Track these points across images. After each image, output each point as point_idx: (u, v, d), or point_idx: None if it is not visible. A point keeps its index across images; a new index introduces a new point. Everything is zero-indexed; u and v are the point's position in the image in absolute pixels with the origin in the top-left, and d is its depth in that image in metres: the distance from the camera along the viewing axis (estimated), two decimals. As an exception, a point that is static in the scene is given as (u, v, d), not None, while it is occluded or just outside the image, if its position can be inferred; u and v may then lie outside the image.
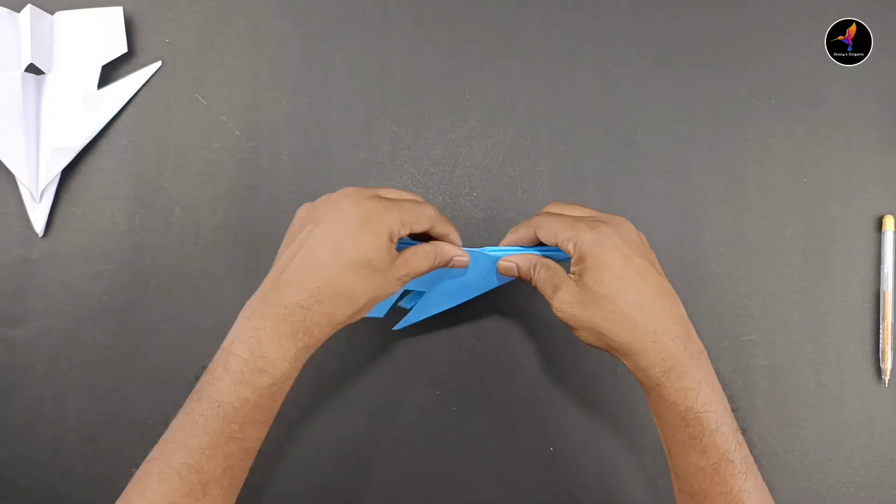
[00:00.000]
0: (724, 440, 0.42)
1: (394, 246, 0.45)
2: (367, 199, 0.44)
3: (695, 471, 0.43)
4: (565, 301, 0.45)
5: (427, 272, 0.48)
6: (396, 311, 0.54)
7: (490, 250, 0.51)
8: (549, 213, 0.49)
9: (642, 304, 0.44)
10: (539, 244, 0.49)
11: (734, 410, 0.44)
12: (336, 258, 0.43)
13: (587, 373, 0.58)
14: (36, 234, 0.57)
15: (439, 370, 0.57)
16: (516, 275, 0.49)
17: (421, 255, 0.47)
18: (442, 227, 0.48)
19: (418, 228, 0.46)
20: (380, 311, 0.52)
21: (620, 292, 0.44)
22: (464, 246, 0.50)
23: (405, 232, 0.45)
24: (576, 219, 0.47)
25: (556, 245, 0.46)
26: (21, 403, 0.57)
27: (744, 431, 0.58)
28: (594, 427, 0.57)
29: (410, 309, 0.54)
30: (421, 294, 0.53)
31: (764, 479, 0.58)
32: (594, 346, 0.46)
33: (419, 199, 0.48)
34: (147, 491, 0.40)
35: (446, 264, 0.49)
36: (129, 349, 0.57)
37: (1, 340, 0.57)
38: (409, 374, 0.58)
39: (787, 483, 0.57)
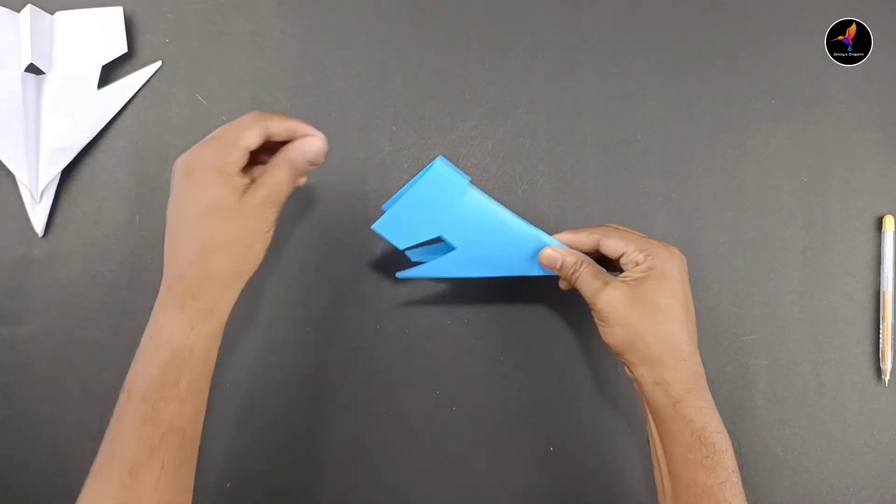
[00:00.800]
0: (731, 461, 0.45)
1: (235, 177, 0.43)
2: (187, 153, 0.43)
3: (702, 490, 0.44)
4: (615, 297, 0.47)
5: (290, 182, 0.45)
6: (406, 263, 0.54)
7: (537, 232, 0.50)
8: (619, 228, 0.51)
9: (686, 324, 0.47)
10: (591, 254, 0.50)
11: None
12: (180, 220, 0.43)
13: (587, 373, 0.58)
14: (36, 234, 0.57)
15: (439, 370, 0.57)
16: (557, 267, 0.50)
17: (273, 168, 0.44)
18: (295, 127, 0.46)
19: (253, 139, 0.43)
20: (401, 242, 0.51)
21: (672, 306, 0.47)
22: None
23: (239, 154, 0.43)
24: (647, 237, 0.50)
25: (622, 255, 0.48)
26: (21, 403, 0.57)
27: (743, 431, 0.58)
28: (594, 427, 0.57)
29: (424, 263, 0.52)
30: (446, 250, 0.51)
31: (764, 479, 0.58)
32: (616, 349, 0.48)
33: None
34: (90, 494, 0.41)
35: (309, 160, 0.46)
36: (129, 349, 0.57)
37: (1, 340, 0.57)
38: (409, 374, 0.58)
39: (787, 483, 0.57)
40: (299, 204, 0.58)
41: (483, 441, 0.57)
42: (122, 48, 0.58)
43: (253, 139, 0.44)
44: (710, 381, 0.58)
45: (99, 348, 0.57)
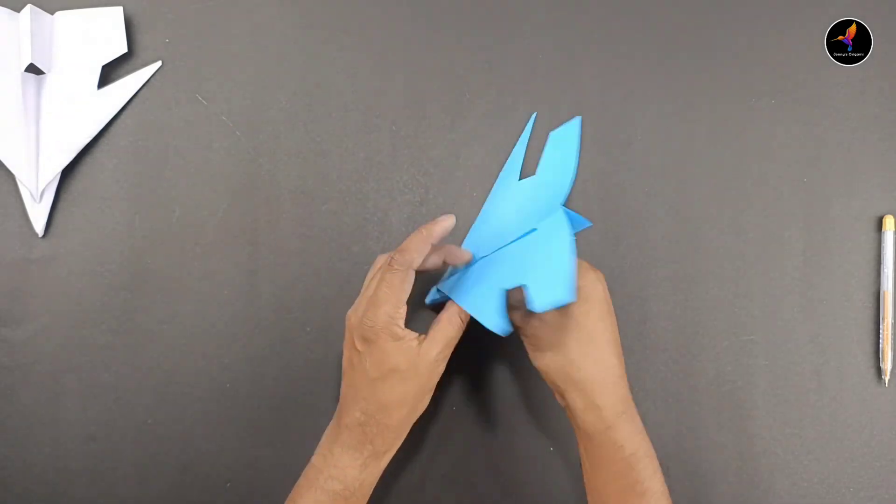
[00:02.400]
0: (660, 484, 0.46)
1: (406, 340, 0.46)
2: (359, 315, 0.47)
3: None
4: (545, 321, 0.47)
5: (459, 335, 0.48)
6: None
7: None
8: None
9: (616, 347, 0.47)
10: None
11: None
12: (360, 378, 0.47)
13: (587, 373, 0.58)
14: (36, 234, 0.57)
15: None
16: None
17: (445, 324, 0.47)
18: (431, 239, 0.47)
19: (409, 289, 0.46)
20: (502, 328, 0.46)
21: (601, 331, 0.47)
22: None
23: (403, 311, 0.46)
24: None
25: None
26: (21, 403, 0.57)
27: (743, 431, 0.58)
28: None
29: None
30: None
31: (764, 479, 0.58)
32: (548, 375, 0.47)
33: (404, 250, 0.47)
34: None
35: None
36: (129, 349, 0.57)
37: (1, 340, 0.57)
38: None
39: (786, 483, 0.57)
40: (299, 204, 0.58)
41: (483, 441, 0.57)
42: (122, 48, 0.58)
43: (409, 289, 0.46)
44: (710, 381, 0.58)
45: (99, 348, 0.57)
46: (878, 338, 0.58)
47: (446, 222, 0.48)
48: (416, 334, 0.47)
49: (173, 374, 0.57)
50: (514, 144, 0.59)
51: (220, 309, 0.57)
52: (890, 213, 0.59)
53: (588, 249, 0.58)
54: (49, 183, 0.57)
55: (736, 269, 0.59)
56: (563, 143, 0.54)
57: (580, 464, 0.49)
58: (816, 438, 0.58)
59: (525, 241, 0.49)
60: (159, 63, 0.59)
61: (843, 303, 0.59)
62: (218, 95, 0.59)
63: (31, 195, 0.56)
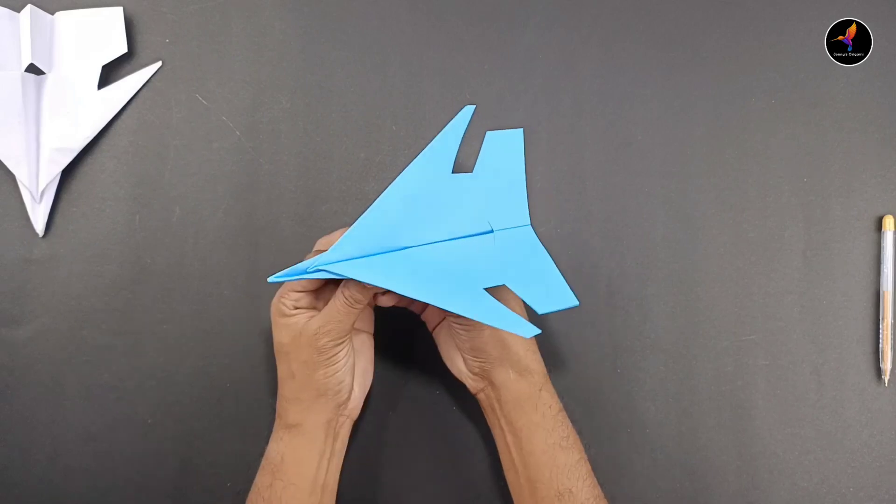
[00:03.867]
0: (579, 439, 0.51)
1: (292, 318, 0.49)
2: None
3: (563, 470, 0.49)
4: None
5: (345, 311, 0.47)
6: None
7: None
8: None
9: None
10: None
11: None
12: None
13: (587, 373, 0.58)
14: (36, 234, 0.57)
15: (439, 370, 0.57)
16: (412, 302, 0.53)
17: (331, 300, 0.48)
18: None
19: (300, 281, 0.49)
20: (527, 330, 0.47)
21: (521, 304, 0.51)
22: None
23: (292, 297, 0.49)
24: None
25: None
26: (21, 403, 0.57)
27: (743, 431, 0.58)
28: (594, 427, 0.57)
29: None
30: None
31: (764, 479, 0.58)
32: (484, 352, 0.50)
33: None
34: None
35: (359, 288, 0.47)
36: (129, 349, 0.57)
37: (1, 340, 0.57)
38: (409, 375, 0.58)
39: (787, 483, 0.57)
40: (300, 204, 0.58)
41: (483, 441, 0.57)
42: (122, 48, 0.58)
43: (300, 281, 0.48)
44: (710, 381, 0.58)
45: (99, 348, 0.57)
46: (878, 338, 0.58)
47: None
48: (310, 313, 0.49)
49: (173, 374, 0.57)
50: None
51: (220, 309, 0.57)
52: (890, 213, 0.59)
53: (588, 249, 0.58)
54: (49, 183, 0.57)
55: (736, 269, 0.59)
56: (506, 151, 0.52)
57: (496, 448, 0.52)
58: (816, 438, 0.58)
59: (483, 241, 0.51)
60: (159, 63, 0.59)
61: (842, 303, 0.59)
62: (218, 95, 0.59)
63: (31, 195, 0.56)
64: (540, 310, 0.49)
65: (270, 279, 0.47)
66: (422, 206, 0.49)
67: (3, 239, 0.58)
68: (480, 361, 0.51)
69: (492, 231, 0.51)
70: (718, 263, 0.59)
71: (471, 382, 0.53)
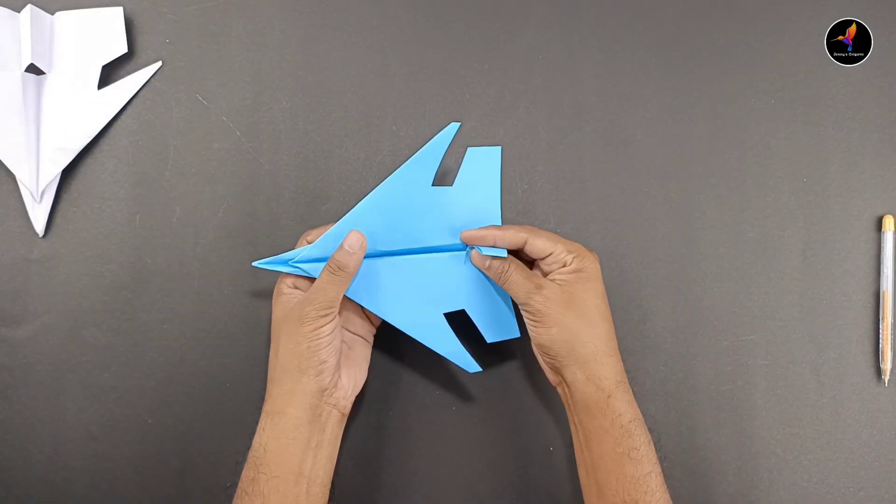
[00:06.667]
0: (654, 454, 0.49)
1: (287, 295, 0.51)
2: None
3: (629, 482, 0.47)
4: (550, 298, 0.49)
5: (331, 282, 0.48)
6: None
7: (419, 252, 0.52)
8: (539, 229, 0.52)
9: (610, 324, 0.51)
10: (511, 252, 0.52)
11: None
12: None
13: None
14: (36, 234, 0.57)
15: (439, 370, 0.57)
16: (486, 267, 0.52)
17: (320, 278, 0.49)
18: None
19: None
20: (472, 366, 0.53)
21: (601, 307, 0.50)
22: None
23: (291, 277, 0.51)
24: (567, 240, 0.52)
25: (548, 255, 0.50)
26: (21, 403, 0.57)
27: (743, 431, 0.58)
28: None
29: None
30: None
31: (764, 479, 0.58)
32: (551, 350, 0.50)
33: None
34: None
35: (343, 252, 0.49)
36: (129, 349, 0.57)
37: (1, 340, 0.57)
38: (408, 374, 0.58)
39: (787, 483, 0.57)
40: (300, 204, 0.58)
41: (482, 441, 0.57)
42: (122, 48, 0.58)
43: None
44: (710, 381, 0.58)
45: (99, 348, 0.57)
46: (878, 338, 0.58)
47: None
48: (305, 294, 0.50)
49: (173, 374, 0.57)
50: (514, 144, 0.59)
51: (220, 309, 0.57)
52: (890, 213, 0.59)
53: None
54: (49, 183, 0.57)
55: (736, 269, 0.59)
56: (484, 167, 0.53)
57: (571, 443, 0.51)
58: (816, 438, 0.58)
59: (451, 260, 0.53)
60: (159, 63, 0.59)
61: (842, 303, 0.59)
62: (218, 95, 0.59)
63: (31, 195, 0.56)
64: (489, 339, 0.54)
65: (255, 263, 0.51)
66: (400, 214, 0.52)
67: (3, 239, 0.58)
68: (549, 358, 0.51)
69: (464, 249, 0.52)
70: (718, 263, 0.59)
71: (548, 374, 0.52)
